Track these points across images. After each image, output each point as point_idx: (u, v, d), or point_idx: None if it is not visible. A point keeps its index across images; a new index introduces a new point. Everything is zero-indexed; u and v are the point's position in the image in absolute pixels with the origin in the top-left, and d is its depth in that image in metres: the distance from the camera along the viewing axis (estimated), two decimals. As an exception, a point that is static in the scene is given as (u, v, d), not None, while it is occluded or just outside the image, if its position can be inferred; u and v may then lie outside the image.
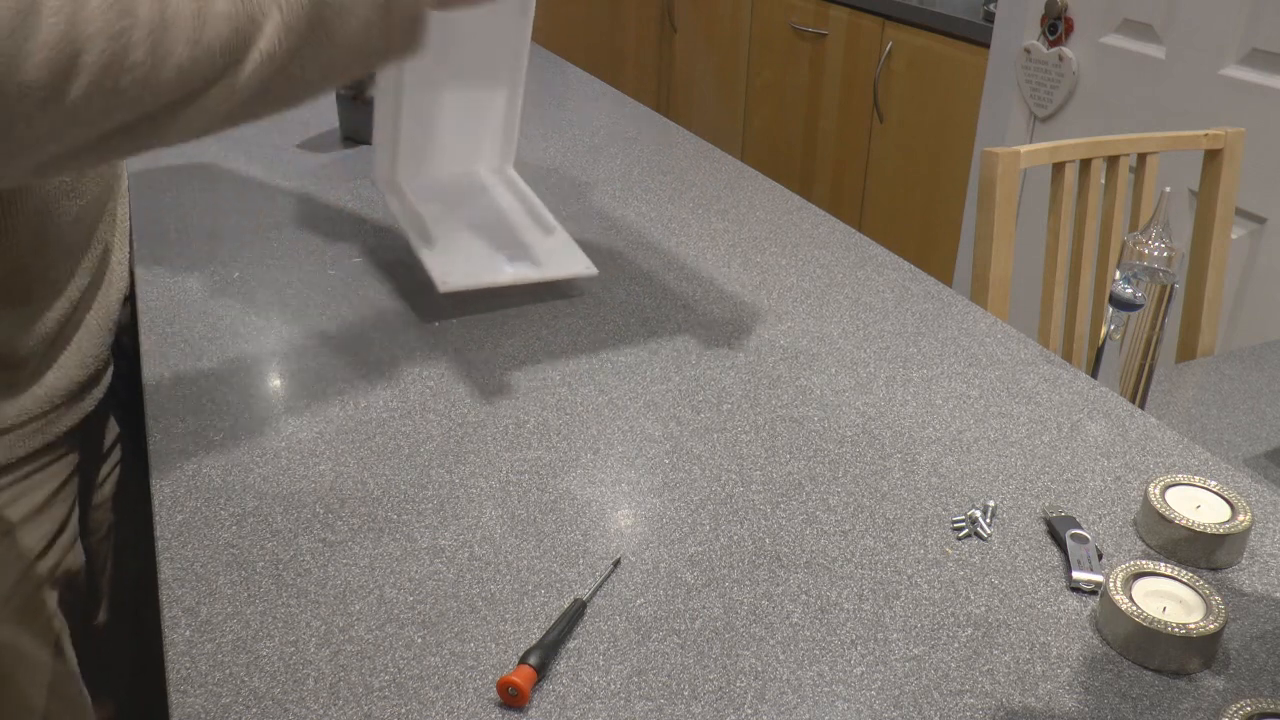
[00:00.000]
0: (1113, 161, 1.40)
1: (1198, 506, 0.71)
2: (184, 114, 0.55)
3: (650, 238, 1.14)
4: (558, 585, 0.65)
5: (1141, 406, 1.06)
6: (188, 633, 0.60)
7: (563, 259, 0.99)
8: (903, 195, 2.71)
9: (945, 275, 2.48)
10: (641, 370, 0.88)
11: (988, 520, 0.72)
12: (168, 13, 0.52)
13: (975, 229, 1.36)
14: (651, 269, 1.06)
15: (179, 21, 0.53)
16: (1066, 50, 2.08)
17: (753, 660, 0.60)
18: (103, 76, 0.51)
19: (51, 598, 0.78)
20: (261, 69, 0.56)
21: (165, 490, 0.71)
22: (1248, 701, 0.57)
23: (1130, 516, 0.73)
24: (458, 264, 0.95)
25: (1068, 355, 1.44)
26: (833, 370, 0.89)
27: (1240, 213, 1.77)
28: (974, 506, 0.73)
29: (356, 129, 1.37)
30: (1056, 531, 0.70)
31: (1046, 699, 0.58)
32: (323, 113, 1.46)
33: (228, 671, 0.58)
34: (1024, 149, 1.33)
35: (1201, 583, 0.64)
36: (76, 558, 0.82)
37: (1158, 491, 0.72)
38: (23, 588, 0.76)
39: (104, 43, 0.50)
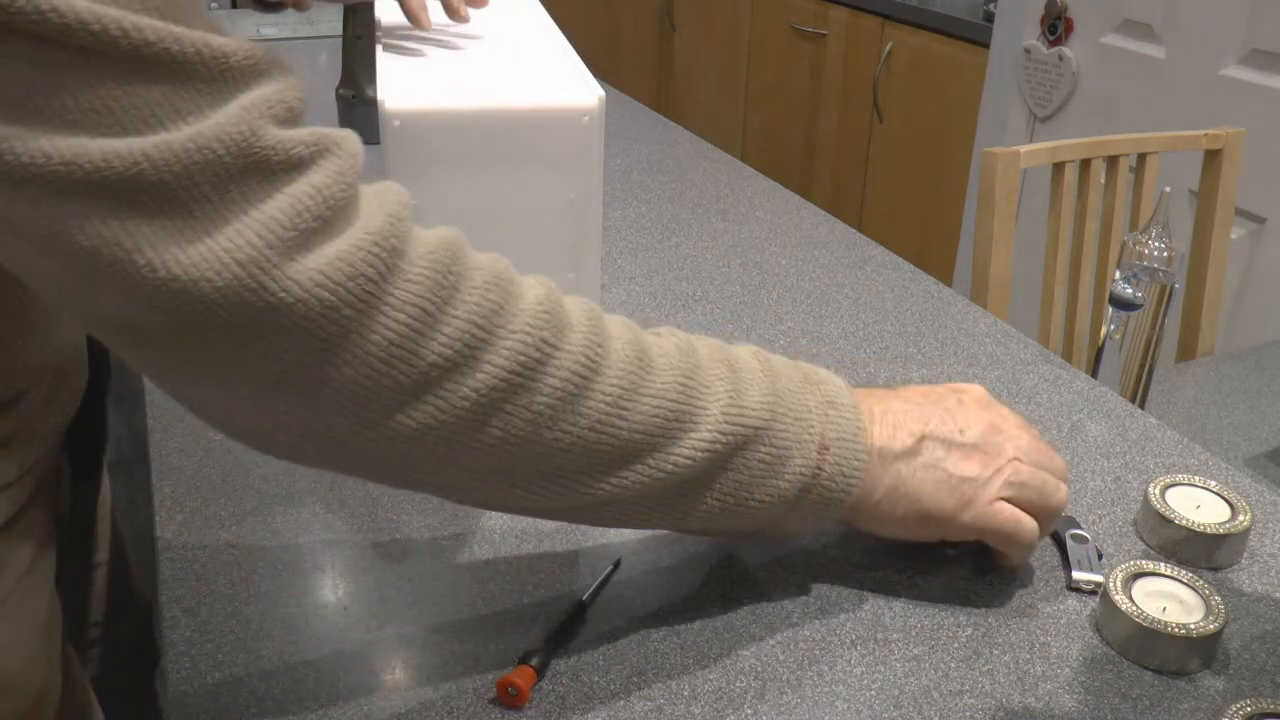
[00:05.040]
0: (1113, 161, 1.40)
1: (1198, 506, 0.71)
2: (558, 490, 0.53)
3: (650, 238, 1.14)
4: (558, 585, 0.65)
5: (1141, 406, 1.06)
6: (188, 633, 0.60)
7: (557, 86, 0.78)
8: (903, 195, 2.71)
9: (945, 275, 2.48)
10: (641, 370, 0.88)
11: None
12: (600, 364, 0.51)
13: (975, 229, 1.36)
14: (651, 269, 1.06)
15: (607, 371, 0.51)
16: (1066, 50, 2.08)
17: (753, 660, 0.60)
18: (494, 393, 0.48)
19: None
20: (667, 481, 0.54)
21: (165, 490, 0.71)
22: (1248, 701, 0.57)
23: (1130, 516, 0.73)
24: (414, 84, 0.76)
25: (1068, 355, 1.44)
26: (832, 370, 0.89)
27: (1240, 213, 1.77)
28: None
29: (356, 129, 1.37)
30: (1056, 531, 0.70)
31: (1046, 699, 0.58)
32: (322, 113, 1.46)
33: (228, 671, 0.58)
34: (1024, 149, 1.33)
35: (1201, 583, 0.64)
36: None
37: (1158, 491, 0.72)
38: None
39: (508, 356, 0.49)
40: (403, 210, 0.48)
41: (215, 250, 0.42)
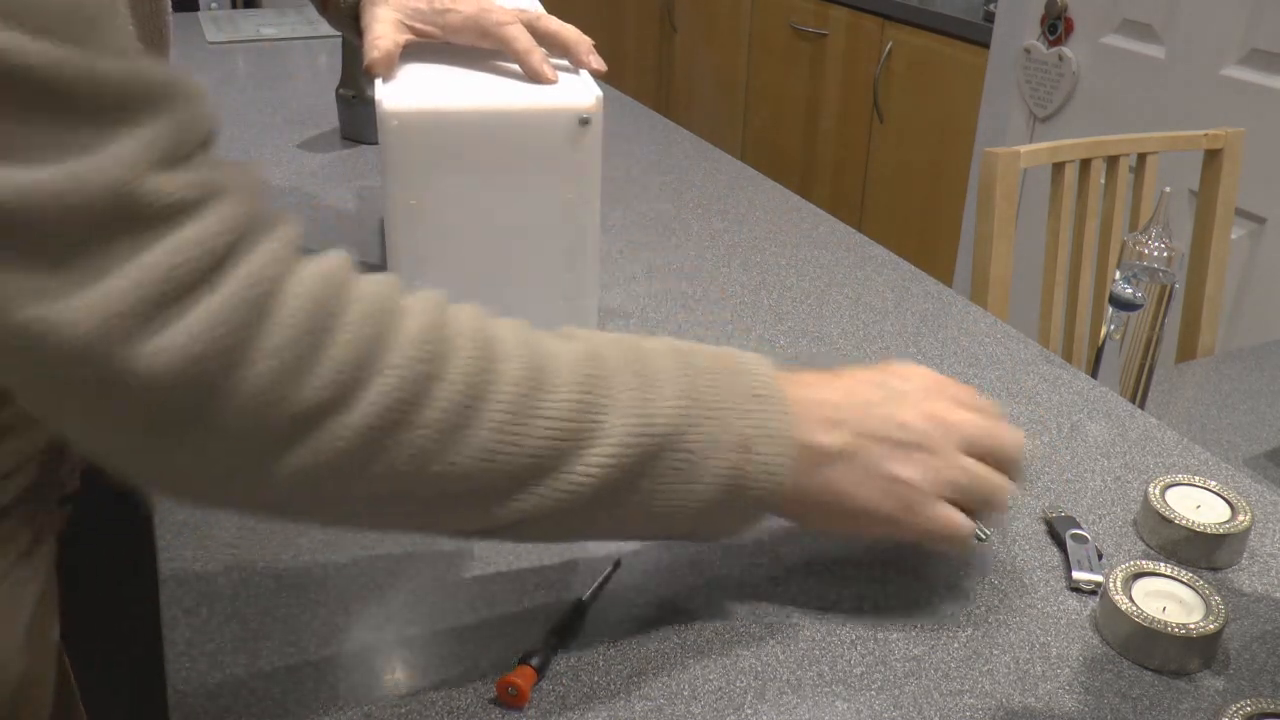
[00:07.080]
0: (1113, 161, 1.40)
1: (1198, 506, 0.71)
2: (463, 510, 0.52)
3: (650, 238, 1.14)
4: (558, 585, 0.65)
5: (1141, 406, 1.06)
6: (188, 633, 0.60)
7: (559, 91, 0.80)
8: (903, 195, 2.71)
9: (945, 275, 2.48)
10: (641, 370, 0.88)
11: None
12: (484, 384, 0.49)
13: (975, 229, 1.36)
14: (651, 269, 1.06)
15: (494, 398, 0.49)
16: (1066, 50, 2.08)
17: (753, 660, 0.60)
18: (377, 425, 0.47)
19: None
20: (566, 495, 0.52)
21: (165, 490, 0.71)
22: (1248, 701, 0.57)
23: (1130, 516, 0.73)
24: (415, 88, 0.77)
25: (1068, 355, 1.44)
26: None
27: (1240, 213, 1.77)
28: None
29: (356, 129, 1.37)
30: (1056, 531, 0.70)
31: (1046, 699, 0.58)
32: (323, 113, 1.46)
33: (228, 671, 0.58)
34: (1024, 149, 1.33)
35: (1201, 583, 0.64)
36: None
37: (1158, 491, 0.72)
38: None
39: (395, 382, 0.47)
40: (285, 248, 0.45)
41: (77, 306, 0.39)
